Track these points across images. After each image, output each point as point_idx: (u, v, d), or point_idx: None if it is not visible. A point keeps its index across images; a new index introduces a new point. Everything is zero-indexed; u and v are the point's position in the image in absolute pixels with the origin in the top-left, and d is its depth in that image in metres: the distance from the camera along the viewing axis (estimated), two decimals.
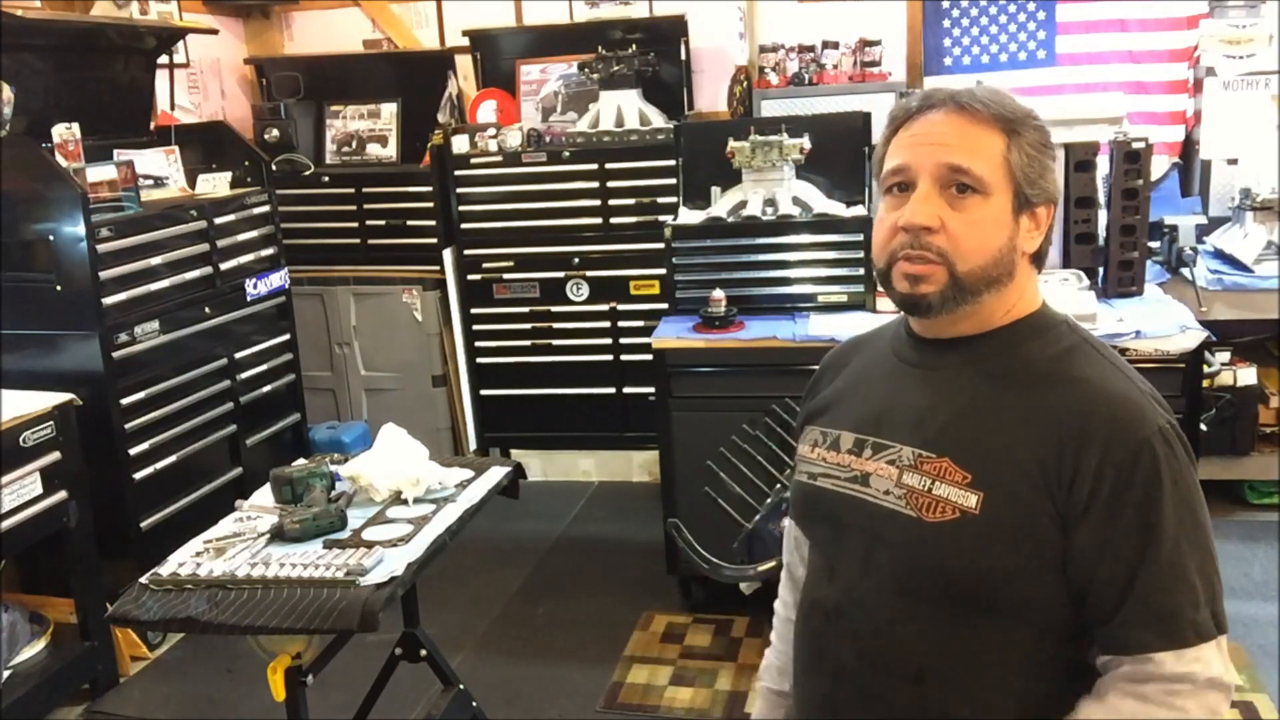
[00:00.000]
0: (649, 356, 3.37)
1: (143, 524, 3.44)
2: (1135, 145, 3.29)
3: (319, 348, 4.78)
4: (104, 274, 3.28)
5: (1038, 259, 1.32)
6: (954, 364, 1.30)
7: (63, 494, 3.07)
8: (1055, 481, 1.18)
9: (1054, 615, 1.21)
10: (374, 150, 4.94)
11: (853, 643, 1.30)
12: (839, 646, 1.32)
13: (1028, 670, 1.23)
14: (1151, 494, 1.17)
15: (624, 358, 4.51)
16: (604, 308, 4.50)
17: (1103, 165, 3.37)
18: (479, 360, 4.68)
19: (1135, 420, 1.19)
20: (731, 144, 3.49)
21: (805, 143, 3.45)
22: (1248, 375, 3.93)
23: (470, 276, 4.59)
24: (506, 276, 4.56)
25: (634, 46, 4.41)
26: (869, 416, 1.35)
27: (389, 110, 4.94)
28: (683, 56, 4.51)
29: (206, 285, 3.74)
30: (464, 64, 4.82)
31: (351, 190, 4.69)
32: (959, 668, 1.24)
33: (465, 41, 4.76)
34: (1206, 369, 3.19)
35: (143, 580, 2.02)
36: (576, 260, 4.47)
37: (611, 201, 4.38)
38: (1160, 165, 4.14)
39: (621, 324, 4.48)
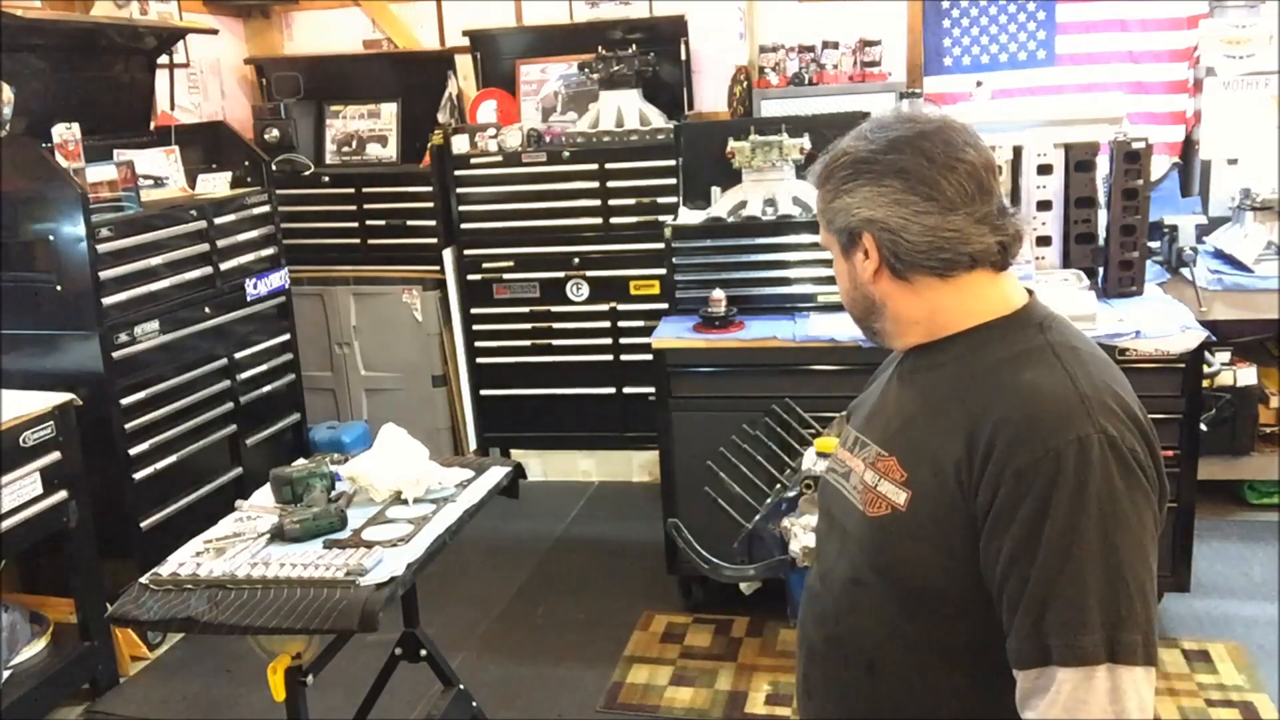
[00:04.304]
0: (649, 356, 3.37)
1: (143, 524, 3.44)
2: (1135, 145, 3.29)
3: (319, 348, 4.78)
4: (104, 274, 3.28)
5: (996, 263, 1.28)
6: (925, 368, 1.33)
7: (63, 494, 3.07)
8: (966, 484, 1.19)
9: (989, 615, 1.20)
10: (374, 150, 4.94)
11: (820, 627, 1.38)
12: (813, 629, 1.41)
13: (973, 669, 1.25)
14: (1046, 504, 1.13)
15: (624, 358, 4.51)
16: (604, 308, 4.50)
17: (1103, 165, 3.37)
18: (479, 360, 4.68)
19: (1050, 426, 1.15)
20: (731, 144, 3.49)
21: (805, 143, 3.45)
22: (1248, 375, 3.93)
23: (470, 276, 4.59)
24: (506, 276, 4.56)
25: (634, 46, 4.41)
26: (866, 417, 1.42)
27: (389, 110, 4.94)
28: (683, 56, 4.51)
29: (206, 285, 3.74)
30: (464, 64, 4.82)
31: (351, 190, 4.69)
32: (906, 662, 1.28)
33: (465, 41, 4.76)
34: (1206, 369, 3.20)
35: (143, 580, 2.02)
36: (576, 260, 4.47)
37: (611, 201, 4.38)
38: (1160, 165, 4.14)
39: (621, 324, 4.48)
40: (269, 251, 4.06)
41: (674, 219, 3.65)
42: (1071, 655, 1.11)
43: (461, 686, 2.54)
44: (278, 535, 2.15)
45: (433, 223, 4.56)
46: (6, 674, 3.01)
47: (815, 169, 1.35)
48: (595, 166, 4.35)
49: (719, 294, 3.35)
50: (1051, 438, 1.15)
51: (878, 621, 1.29)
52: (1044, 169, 3.37)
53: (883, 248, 1.28)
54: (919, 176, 1.24)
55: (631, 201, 4.36)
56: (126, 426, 3.38)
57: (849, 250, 1.32)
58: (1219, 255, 3.94)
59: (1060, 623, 1.12)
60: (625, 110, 4.38)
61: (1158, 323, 3.09)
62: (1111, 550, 1.12)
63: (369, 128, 4.96)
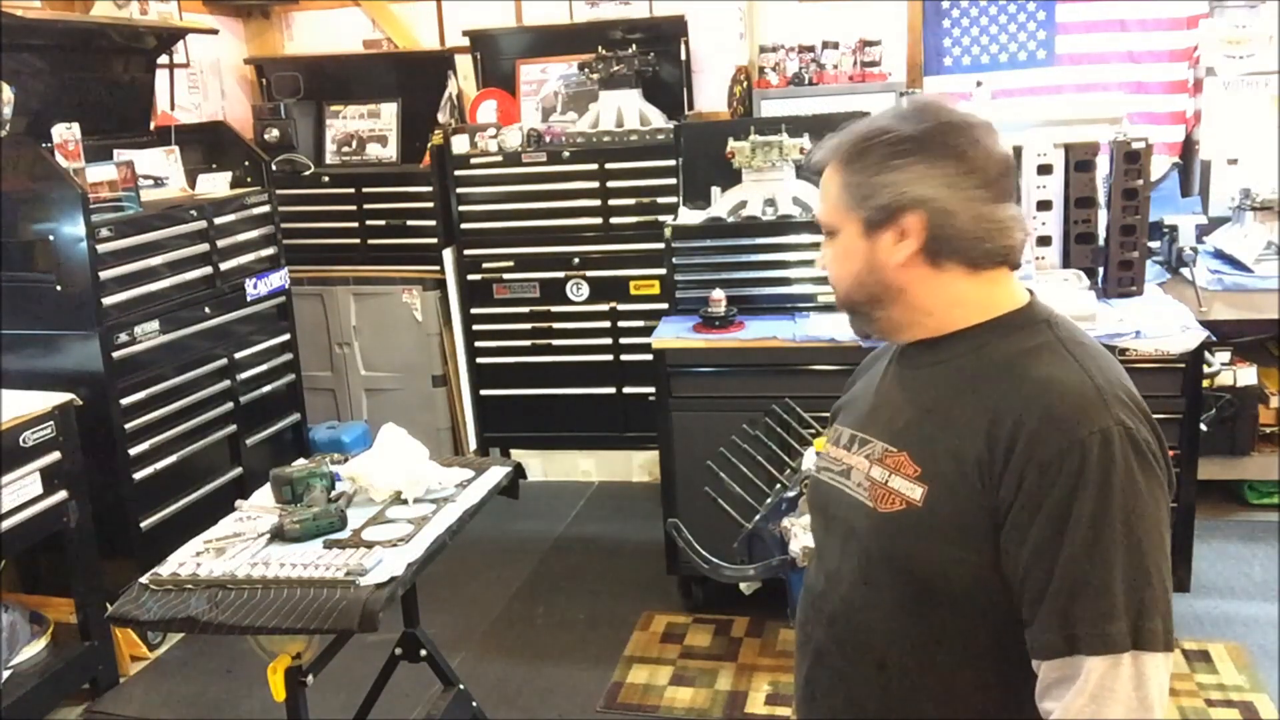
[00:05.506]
0: (649, 356, 3.37)
1: (143, 524, 3.44)
2: (1135, 145, 3.29)
3: (319, 348, 4.78)
4: (104, 274, 3.28)
5: (1007, 261, 1.29)
6: (929, 364, 1.33)
7: (63, 494, 3.07)
8: (988, 477, 1.19)
9: (1006, 610, 1.21)
10: (374, 150, 4.94)
11: (828, 627, 1.36)
12: (818, 629, 1.39)
13: (987, 665, 1.24)
14: (1072, 496, 1.14)
15: (624, 358, 4.51)
16: (604, 308, 4.50)
17: (1103, 165, 3.37)
18: (479, 360, 4.68)
19: (1072, 419, 1.16)
20: (731, 144, 3.49)
21: (805, 143, 3.45)
22: (1248, 375, 3.93)
23: (470, 276, 4.59)
24: (506, 276, 4.56)
25: (634, 46, 4.41)
26: (863, 414, 1.41)
27: (389, 110, 4.94)
28: (683, 56, 4.51)
29: (206, 285, 3.74)
30: (464, 64, 4.82)
31: (351, 190, 4.69)
32: (918, 658, 1.27)
33: (465, 41, 4.76)
34: (1206, 369, 3.19)
35: (143, 580, 2.02)
36: (576, 260, 4.47)
37: (611, 201, 4.38)
38: (1160, 165, 4.14)
39: (621, 324, 4.48)
40: (269, 251, 4.06)
41: (674, 219, 3.65)
42: (1100, 644, 1.12)
43: (461, 686, 2.54)
44: (278, 535, 2.15)
45: (433, 223, 4.56)
46: (6, 674, 3.01)
47: (834, 145, 1.30)
48: (595, 166, 4.35)
49: (719, 294, 3.35)
50: (1074, 431, 1.15)
51: (888, 619, 1.28)
52: (1044, 169, 3.37)
53: (930, 229, 1.25)
54: (975, 163, 1.23)
55: (631, 201, 4.35)
56: (126, 426, 3.38)
57: (875, 229, 1.27)
58: (1219, 255, 3.94)
59: (1088, 612, 1.13)
60: (625, 110, 4.38)
61: (1158, 323, 3.09)
62: (1134, 540, 1.14)
63: (369, 128, 4.96)
